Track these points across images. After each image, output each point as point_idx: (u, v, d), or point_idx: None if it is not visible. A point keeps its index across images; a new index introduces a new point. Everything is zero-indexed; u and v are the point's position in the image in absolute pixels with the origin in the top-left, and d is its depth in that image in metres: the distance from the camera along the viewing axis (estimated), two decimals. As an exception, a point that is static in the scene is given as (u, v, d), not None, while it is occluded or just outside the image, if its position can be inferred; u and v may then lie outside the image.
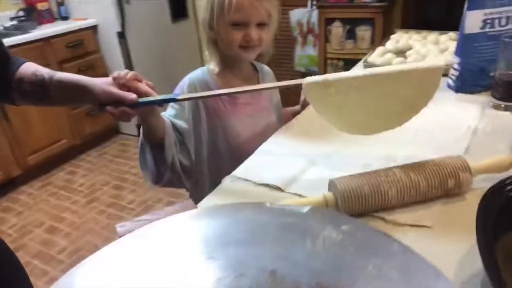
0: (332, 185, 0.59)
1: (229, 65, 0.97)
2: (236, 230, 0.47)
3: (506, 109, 0.87)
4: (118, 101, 0.71)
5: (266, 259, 0.43)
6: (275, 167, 0.73)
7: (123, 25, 2.89)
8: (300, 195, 0.64)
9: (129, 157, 2.92)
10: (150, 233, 0.46)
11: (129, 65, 2.99)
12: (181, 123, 0.90)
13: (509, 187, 0.42)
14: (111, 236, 2.08)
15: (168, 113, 0.92)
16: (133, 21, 2.96)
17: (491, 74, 0.96)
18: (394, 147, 0.75)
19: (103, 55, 2.98)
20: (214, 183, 0.98)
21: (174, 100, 0.73)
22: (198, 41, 3.63)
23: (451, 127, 0.83)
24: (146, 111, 0.76)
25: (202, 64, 3.65)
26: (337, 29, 2.70)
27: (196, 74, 0.96)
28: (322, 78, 0.61)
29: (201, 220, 0.49)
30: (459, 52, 0.98)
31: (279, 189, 0.67)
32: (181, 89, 0.93)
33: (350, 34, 2.71)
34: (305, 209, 0.49)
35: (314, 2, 2.77)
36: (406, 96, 0.60)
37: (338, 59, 2.81)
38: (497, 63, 0.87)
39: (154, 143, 0.84)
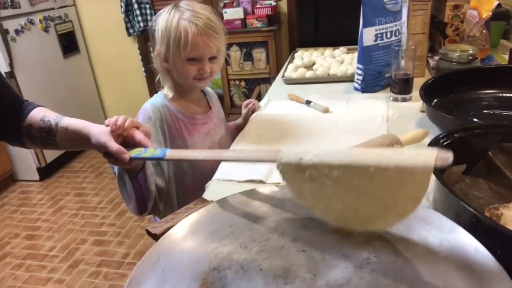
0: (309, 168, 0.74)
1: (182, 92, 1.06)
2: (259, 207, 0.59)
3: (403, 100, 1.14)
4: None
5: (293, 220, 0.56)
6: (249, 166, 0.86)
7: (11, 64, 2.70)
8: (279, 183, 0.78)
9: (35, 204, 2.70)
10: (190, 221, 0.55)
11: (22, 106, 2.79)
12: (156, 146, 0.94)
13: (441, 140, 0.63)
14: (36, 288, 1.92)
15: None
16: (22, 59, 2.79)
17: (386, 75, 1.24)
18: (338, 140, 0.95)
19: (-11, 98, 2.72)
20: (180, 199, 1.06)
21: (161, 159, 0.71)
22: (93, 74, 3.54)
23: (369, 118, 1.06)
24: None
25: (99, 98, 3.57)
26: (235, 53, 2.94)
27: (156, 100, 1.03)
28: (296, 158, 0.51)
29: (229, 207, 0.60)
30: (360, 60, 1.24)
31: (261, 182, 0.80)
32: (146, 115, 0.99)
33: (248, 56, 2.96)
34: (305, 184, 0.63)
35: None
36: (388, 197, 0.48)
37: (240, 79, 3.04)
38: (391, 66, 1.14)
39: (132, 172, 0.86)
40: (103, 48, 3.45)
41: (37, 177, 2.96)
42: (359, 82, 1.26)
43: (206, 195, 0.80)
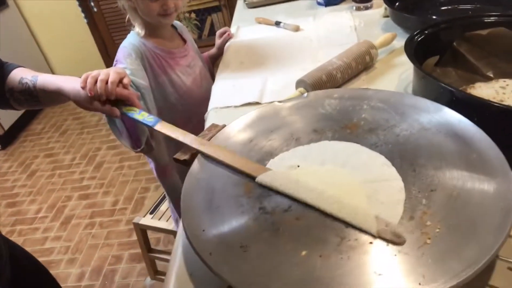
0: (300, 82, 0.82)
1: (153, 28, 1.06)
2: (271, 121, 0.67)
3: (365, 8, 1.21)
4: None
5: (305, 127, 0.64)
6: (242, 91, 0.92)
7: None
8: (275, 101, 0.85)
9: (5, 172, 2.63)
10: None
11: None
12: (141, 81, 0.96)
13: (416, 37, 0.72)
14: (42, 249, 1.97)
15: None
16: None
17: (347, -14, 1.29)
18: (316, 55, 1.01)
19: None
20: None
21: (150, 127, 0.72)
22: (29, 31, 3.27)
23: (339, 30, 1.12)
24: None
25: (43, 54, 3.34)
26: (180, -16, 2.80)
27: (131, 39, 1.03)
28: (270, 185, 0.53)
29: (243, 126, 0.67)
30: (321, -26, 1.27)
31: (257, 103, 0.86)
32: (126, 53, 0.99)
33: (194, -14, 2.84)
34: (305, 95, 0.71)
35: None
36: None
37: (189, 11, 2.94)
38: (352, -24, 1.18)
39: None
40: (33, -2, 3.15)
41: (-2, 144, 2.85)
42: (322, -4, 1.30)
43: (209, 123, 0.86)
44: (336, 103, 0.68)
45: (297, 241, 0.45)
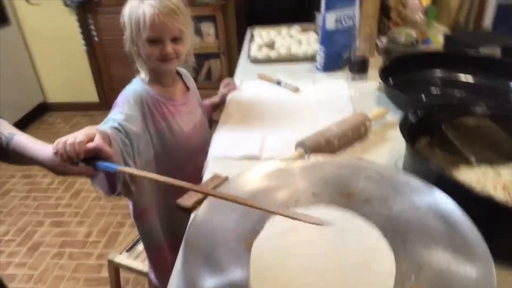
0: (300, 143, 0.87)
1: (157, 74, 1.10)
2: (273, 180, 0.70)
3: (361, 78, 1.30)
4: None
5: (304, 190, 0.68)
6: (242, 143, 0.96)
7: None
8: (273, 158, 0.89)
9: (-25, 189, 2.55)
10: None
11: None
12: (132, 127, 0.97)
13: (410, 116, 0.78)
14: (3, 275, 1.88)
15: (116, 117, 0.96)
16: None
17: (344, 56, 1.39)
18: (314, 118, 1.07)
19: None
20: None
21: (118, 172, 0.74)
22: (27, 50, 3.29)
23: (336, 98, 1.20)
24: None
25: (37, 76, 3.35)
26: (184, 27, 2.92)
27: (135, 86, 1.07)
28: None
29: (244, 183, 0.70)
30: (323, 43, 1.36)
31: (256, 157, 0.90)
32: (125, 99, 1.02)
33: (196, 31, 2.96)
34: (306, 158, 0.76)
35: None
36: None
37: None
38: (351, 49, 1.28)
39: None
40: (36, 19, 3.20)
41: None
42: (321, 63, 1.39)
43: (208, 173, 0.89)
44: (335, 169, 0.72)
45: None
